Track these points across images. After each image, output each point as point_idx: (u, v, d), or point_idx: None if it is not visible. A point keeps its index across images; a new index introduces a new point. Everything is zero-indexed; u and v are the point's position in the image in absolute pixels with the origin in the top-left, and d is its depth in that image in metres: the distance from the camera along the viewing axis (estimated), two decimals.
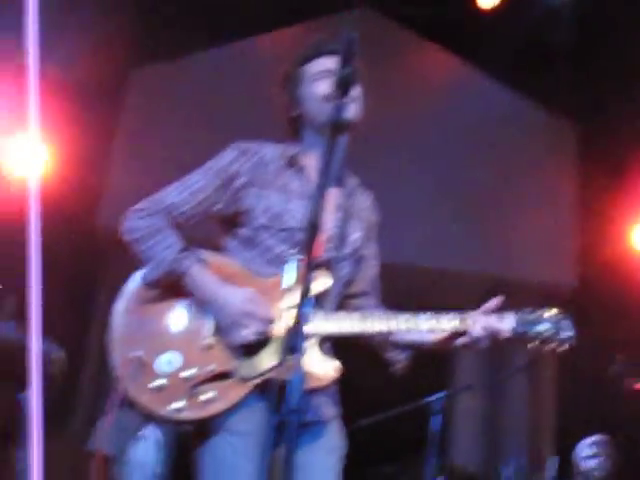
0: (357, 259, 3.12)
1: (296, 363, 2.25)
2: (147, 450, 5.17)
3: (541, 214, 8.05)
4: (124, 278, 2.95)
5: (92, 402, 7.37)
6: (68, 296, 6.78)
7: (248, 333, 2.78)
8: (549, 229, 8.04)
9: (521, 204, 8.06)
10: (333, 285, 2.93)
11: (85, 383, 7.65)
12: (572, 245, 8.09)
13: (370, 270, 3.20)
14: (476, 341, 2.92)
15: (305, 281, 2.31)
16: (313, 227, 2.33)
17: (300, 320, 2.25)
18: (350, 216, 3.07)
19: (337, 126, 2.56)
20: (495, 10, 7.62)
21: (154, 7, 7.20)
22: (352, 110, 2.95)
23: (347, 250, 3.05)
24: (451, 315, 2.92)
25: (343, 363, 2.91)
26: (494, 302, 2.95)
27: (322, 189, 2.38)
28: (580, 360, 7.36)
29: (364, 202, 3.20)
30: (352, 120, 2.97)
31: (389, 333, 2.99)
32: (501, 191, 8.06)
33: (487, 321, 2.91)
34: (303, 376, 2.25)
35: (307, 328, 2.26)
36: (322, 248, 2.91)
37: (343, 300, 3.11)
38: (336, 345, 3.02)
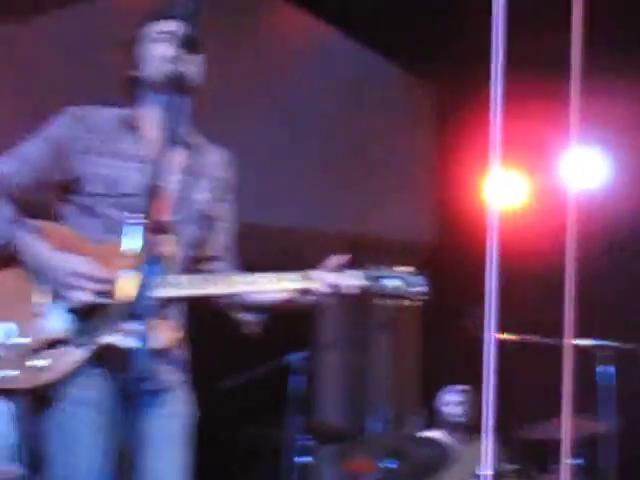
0: (205, 221, 3.06)
1: (137, 329, 2.21)
2: None
3: (400, 172, 8.14)
4: None
5: None
6: None
7: (81, 294, 2.73)
8: (407, 187, 8.14)
9: (380, 162, 8.12)
10: (178, 249, 2.88)
11: None
12: (430, 203, 8.23)
13: (222, 232, 3.14)
14: (322, 299, 2.91)
15: (146, 246, 2.28)
16: (153, 190, 2.29)
17: (141, 285, 2.22)
18: (196, 176, 3.01)
19: (176, 87, 2.52)
20: None
21: None
22: (192, 71, 2.89)
23: (192, 212, 2.99)
24: (294, 275, 2.91)
25: (198, 326, 2.88)
26: (338, 259, 2.94)
27: (162, 151, 2.33)
28: (440, 314, 7.57)
29: (215, 160, 3.13)
30: (191, 81, 2.91)
31: (233, 295, 2.95)
32: (360, 149, 8.10)
33: (332, 278, 2.89)
34: (145, 342, 2.21)
35: (148, 293, 2.22)
36: (164, 211, 2.84)
37: (193, 264, 3.06)
38: (190, 308, 2.99)
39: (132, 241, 2.73)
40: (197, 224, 3.02)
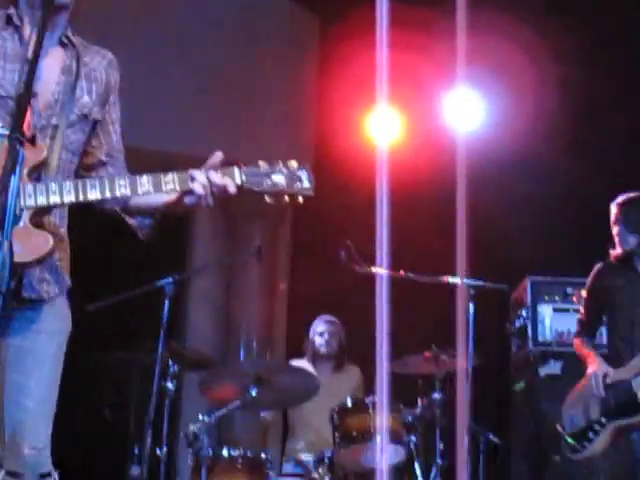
0: (90, 125, 2.95)
1: (6, 240, 2.14)
2: None
3: (282, 106, 8.07)
4: None
5: None
6: None
7: None
8: (289, 119, 8.08)
9: (263, 93, 8.03)
10: (57, 155, 2.77)
11: None
12: (309, 135, 8.20)
13: (108, 136, 3.02)
14: (201, 198, 2.82)
15: (9, 154, 2.16)
16: (22, 98, 2.20)
17: (3, 195, 2.13)
18: (77, 79, 2.88)
19: None
20: None
21: None
22: None
23: (74, 116, 2.87)
24: (171, 175, 2.80)
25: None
26: (216, 157, 2.86)
27: (35, 52, 2.23)
28: (313, 247, 7.59)
29: (98, 62, 3.00)
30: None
31: (113, 200, 2.84)
32: (244, 79, 7.98)
33: (210, 177, 2.80)
34: (8, 253, 2.13)
35: (14, 201, 2.12)
36: (36, 117, 2.72)
37: (84, 171, 2.96)
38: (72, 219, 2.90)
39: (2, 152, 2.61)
40: (80, 128, 2.91)
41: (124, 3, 7.32)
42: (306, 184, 2.88)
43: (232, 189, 2.81)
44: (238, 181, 2.83)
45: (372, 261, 5.24)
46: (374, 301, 4.76)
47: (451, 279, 5.32)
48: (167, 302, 5.03)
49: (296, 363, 6.29)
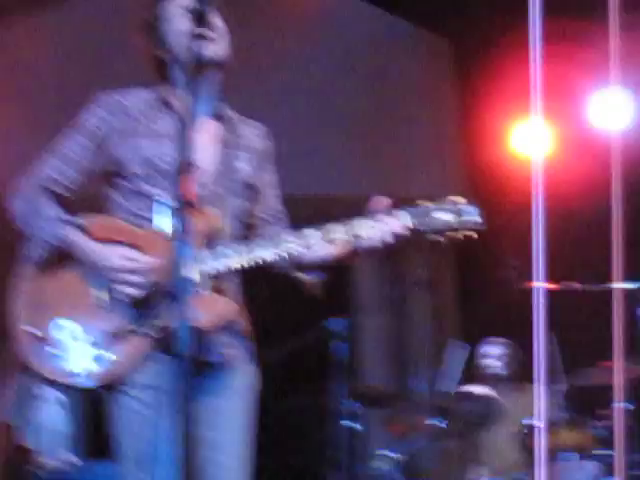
0: (249, 192, 3.04)
1: (184, 308, 2.18)
2: (50, 411, 5.09)
3: (424, 129, 8.06)
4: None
5: None
6: None
7: (131, 289, 2.75)
8: (434, 144, 8.07)
9: (404, 121, 8.05)
10: (223, 221, 2.87)
11: None
12: (457, 157, 8.15)
13: (268, 199, 3.12)
14: (372, 246, 2.84)
15: (183, 223, 2.24)
16: (183, 165, 2.27)
17: (182, 264, 2.19)
18: (235, 149, 3.00)
19: (201, 63, 2.54)
20: None
21: None
22: (216, 46, 2.88)
23: (235, 184, 2.98)
24: (339, 226, 2.84)
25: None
26: (380, 202, 2.86)
27: (192, 125, 2.31)
28: (479, 270, 7.52)
29: (252, 133, 3.12)
30: (217, 56, 2.91)
31: (283, 259, 2.89)
32: (383, 112, 8.03)
33: (379, 221, 2.82)
34: (195, 320, 2.21)
35: (193, 270, 2.20)
36: (198, 186, 2.80)
37: (246, 232, 3.04)
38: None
39: (169, 220, 2.73)
40: (242, 195, 3.01)
41: (258, 58, 7.49)
42: (476, 218, 2.87)
43: (404, 231, 2.83)
44: (409, 223, 2.83)
45: (539, 278, 5.15)
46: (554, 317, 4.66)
47: (630, 285, 5.14)
48: (339, 342, 5.08)
49: (475, 389, 6.22)
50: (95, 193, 3.02)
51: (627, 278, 5.05)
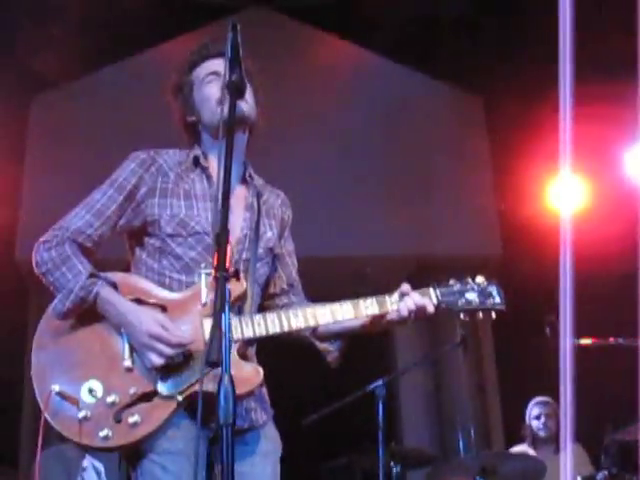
0: (272, 258, 3.10)
1: (221, 374, 2.23)
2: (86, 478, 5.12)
3: (459, 186, 8.11)
4: None
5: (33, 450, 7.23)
6: None
7: (157, 358, 2.73)
8: (468, 200, 8.10)
9: (438, 180, 8.11)
10: (249, 288, 2.90)
11: (24, 429, 7.48)
12: (492, 213, 8.18)
13: (288, 268, 3.19)
14: (400, 322, 2.93)
15: (220, 290, 2.28)
16: (222, 234, 2.32)
17: (219, 331, 2.23)
18: (260, 215, 3.06)
19: (230, 127, 2.56)
20: None
21: (45, 32, 7.08)
22: (243, 110, 2.94)
23: (261, 250, 3.03)
24: (370, 301, 2.92)
25: (278, 362, 2.88)
26: (406, 286, 2.96)
27: (225, 193, 2.37)
28: (515, 325, 7.48)
29: (275, 200, 3.19)
30: (244, 120, 2.97)
31: (312, 328, 2.97)
32: (416, 170, 8.11)
33: (406, 300, 2.91)
34: (231, 386, 2.23)
35: (226, 338, 2.24)
36: (232, 252, 2.87)
37: (264, 301, 3.10)
38: (272, 345, 3.02)
39: (206, 286, 2.79)
40: (266, 261, 3.07)
41: (287, 115, 7.60)
42: (497, 299, 3.00)
43: (430, 309, 2.93)
44: (435, 301, 2.95)
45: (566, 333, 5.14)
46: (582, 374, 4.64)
47: None
48: (380, 404, 5.07)
49: (516, 449, 6.18)
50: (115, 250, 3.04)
51: None
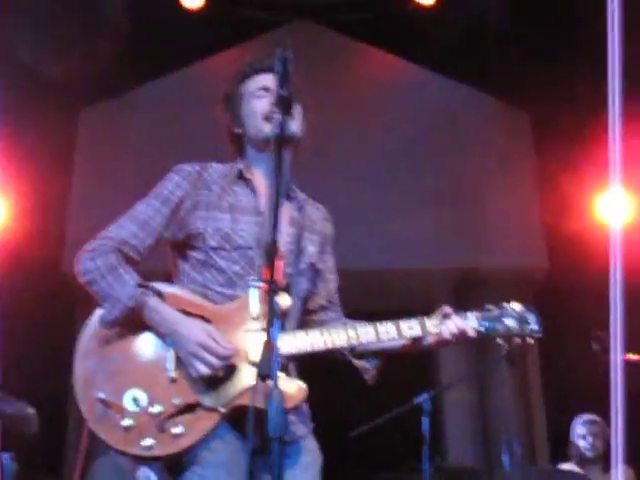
0: (313, 274, 3.10)
1: (268, 388, 2.24)
2: None
3: (505, 200, 8.08)
4: None
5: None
6: (43, 349, 6.75)
7: (204, 368, 2.74)
8: (514, 214, 8.07)
9: (484, 193, 8.09)
10: (293, 302, 2.90)
11: (71, 440, 7.54)
12: (538, 227, 8.14)
13: (328, 284, 3.19)
14: (441, 344, 2.97)
15: (270, 304, 2.30)
16: (272, 248, 2.34)
17: (271, 345, 2.24)
18: (303, 230, 3.07)
19: (279, 143, 2.58)
20: (432, 5, 7.68)
21: (94, 44, 7.16)
22: (292, 127, 2.93)
23: (303, 265, 3.04)
24: (411, 322, 2.95)
25: (321, 376, 2.89)
26: (447, 309, 2.98)
27: (275, 208, 2.39)
28: (561, 340, 7.43)
29: (316, 215, 3.19)
30: (293, 137, 2.97)
31: (352, 347, 2.97)
32: (462, 183, 8.10)
33: (447, 325, 2.94)
34: (281, 401, 2.25)
35: (275, 352, 2.25)
36: (281, 267, 2.87)
37: (305, 316, 3.10)
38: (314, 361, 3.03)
39: (254, 299, 2.79)
40: (307, 277, 3.07)
41: (336, 130, 7.62)
42: (535, 326, 3.04)
43: (471, 333, 2.96)
44: (475, 325, 2.98)
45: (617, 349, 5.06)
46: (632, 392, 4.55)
47: None
48: (426, 419, 5.05)
49: (563, 467, 6.10)
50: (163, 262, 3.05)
51: None
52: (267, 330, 2.27)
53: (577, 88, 6.79)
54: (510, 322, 3.01)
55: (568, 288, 6.75)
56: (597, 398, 6.49)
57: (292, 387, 2.80)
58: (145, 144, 7.79)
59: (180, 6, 7.71)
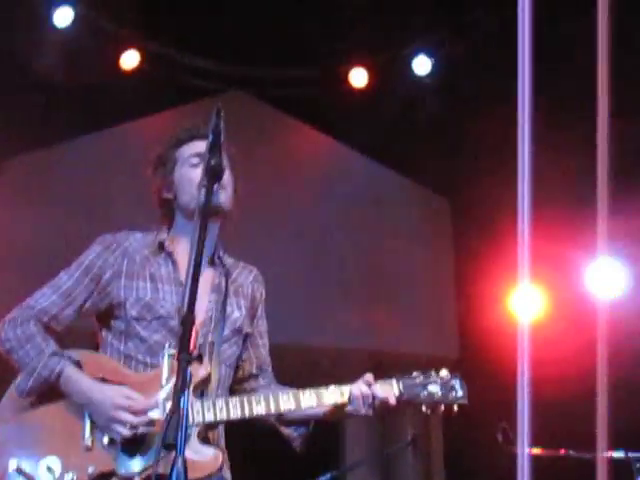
0: (241, 339, 3.10)
1: (174, 458, 2.21)
2: None
3: (423, 286, 8.17)
4: None
5: None
6: None
7: (123, 429, 2.73)
8: (430, 302, 8.16)
9: (403, 277, 8.16)
10: (214, 371, 2.91)
11: None
12: (451, 316, 8.23)
13: (258, 349, 3.19)
14: (360, 412, 2.95)
15: (180, 373, 2.28)
16: (187, 317, 2.34)
17: (176, 413, 2.23)
18: (227, 296, 3.06)
19: (206, 214, 2.60)
20: (365, 89, 7.81)
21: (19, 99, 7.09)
22: (221, 198, 2.97)
23: (227, 332, 3.03)
24: (332, 389, 2.95)
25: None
26: (369, 376, 2.99)
27: (194, 277, 2.40)
28: (467, 429, 7.47)
29: (245, 277, 3.19)
30: (222, 208, 3.01)
31: (275, 415, 2.96)
32: (380, 267, 8.15)
33: (369, 390, 2.94)
34: (183, 470, 2.21)
35: (186, 420, 2.24)
36: (197, 336, 2.83)
37: (236, 384, 3.11)
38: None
39: (166, 370, 2.81)
40: (234, 343, 3.07)
41: (255, 206, 7.64)
42: (460, 393, 3.04)
43: (392, 401, 2.97)
44: (397, 392, 2.98)
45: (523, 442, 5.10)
46: None
47: (618, 454, 5.09)
48: None
49: None
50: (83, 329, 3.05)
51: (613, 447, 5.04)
52: (174, 398, 2.25)
53: (492, 181, 6.92)
54: (434, 389, 3.00)
55: (477, 379, 6.78)
56: None
57: (206, 456, 2.78)
58: (70, 202, 7.64)
59: (117, 65, 7.70)
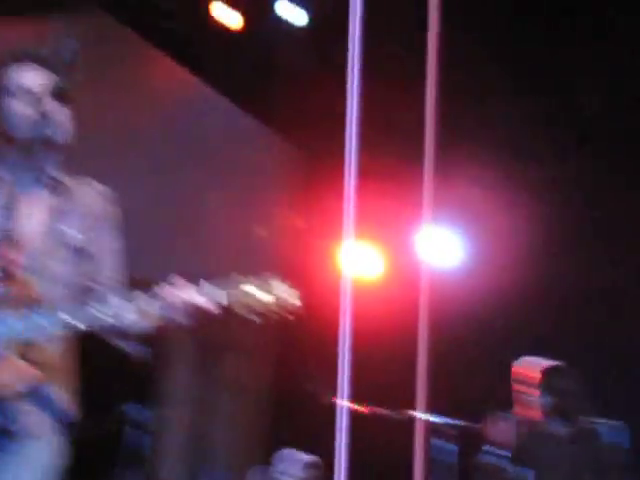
0: (81, 257, 2.98)
1: None
2: None
3: (259, 231, 8.20)
4: None
5: None
6: None
7: None
8: (265, 247, 8.20)
9: (244, 221, 8.17)
10: (49, 288, 2.82)
11: None
12: (281, 265, 8.31)
13: (102, 265, 3.04)
14: (176, 319, 2.76)
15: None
16: (4, 236, 2.25)
17: None
18: (64, 215, 2.94)
19: (40, 146, 2.52)
20: (237, 30, 7.72)
21: None
22: (57, 130, 2.85)
23: (61, 250, 2.93)
24: (148, 297, 2.77)
25: None
26: (176, 278, 2.80)
27: (15, 196, 2.30)
28: (282, 380, 7.57)
29: (87, 197, 3.05)
30: (57, 141, 2.88)
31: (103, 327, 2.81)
32: (222, 208, 8.14)
33: (188, 294, 2.74)
34: None
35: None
36: (19, 254, 2.77)
37: (72, 300, 2.93)
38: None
39: None
40: (69, 261, 2.94)
41: (108, 133, 7.47)
42: (294, 300, 2.75)
43: (213, 308, 2.71)
44: (220, 299, 2.72)
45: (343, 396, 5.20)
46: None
47: (433, 418, 5.16)
48: (137, 431, 4.97)
49: None
50: None
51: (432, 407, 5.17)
52: None
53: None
54: (265, 295, 2.70)
55: (301, 332, 6.82)
56: (317, 438, 6.63)
57: (18, 370, 2.69)
58: None
59: None
